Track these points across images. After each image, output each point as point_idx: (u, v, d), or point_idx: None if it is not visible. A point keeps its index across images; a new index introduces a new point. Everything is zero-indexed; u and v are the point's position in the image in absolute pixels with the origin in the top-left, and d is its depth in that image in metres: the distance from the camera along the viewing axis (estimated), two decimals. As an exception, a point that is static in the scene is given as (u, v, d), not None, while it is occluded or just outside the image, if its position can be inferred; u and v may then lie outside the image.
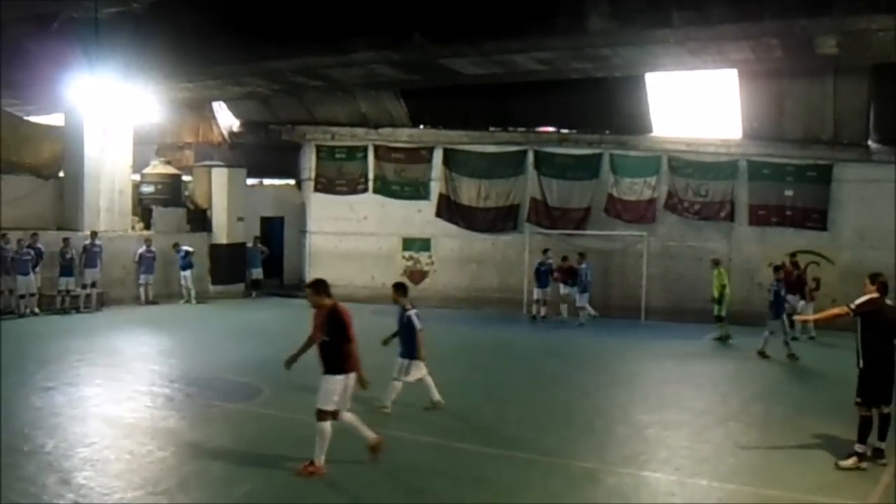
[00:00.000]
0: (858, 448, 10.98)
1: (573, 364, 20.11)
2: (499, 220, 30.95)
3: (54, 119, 31.23)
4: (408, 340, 13.82)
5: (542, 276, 26.89)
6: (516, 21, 21.15)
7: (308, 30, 23.17)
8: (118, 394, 14.93)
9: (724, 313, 23.63)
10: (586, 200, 29.78)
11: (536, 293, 27.16)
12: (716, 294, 23.68)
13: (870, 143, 26.86)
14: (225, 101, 33.15)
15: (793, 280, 23.57)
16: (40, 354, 18.58)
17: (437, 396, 14.03)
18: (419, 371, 13.89)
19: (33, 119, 31.57)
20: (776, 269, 21.69)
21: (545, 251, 27.26)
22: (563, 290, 27.19)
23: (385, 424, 12.99)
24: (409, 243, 31.92)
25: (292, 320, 25.65)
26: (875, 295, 11.24)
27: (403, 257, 32.07)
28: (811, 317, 11.67)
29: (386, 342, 14.17)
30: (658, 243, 28.83)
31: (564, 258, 27.19)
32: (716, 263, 24.35)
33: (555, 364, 19.96)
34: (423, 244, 31.70)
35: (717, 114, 28.52)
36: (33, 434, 11.87)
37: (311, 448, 10.49)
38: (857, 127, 26.82)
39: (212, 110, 33.77)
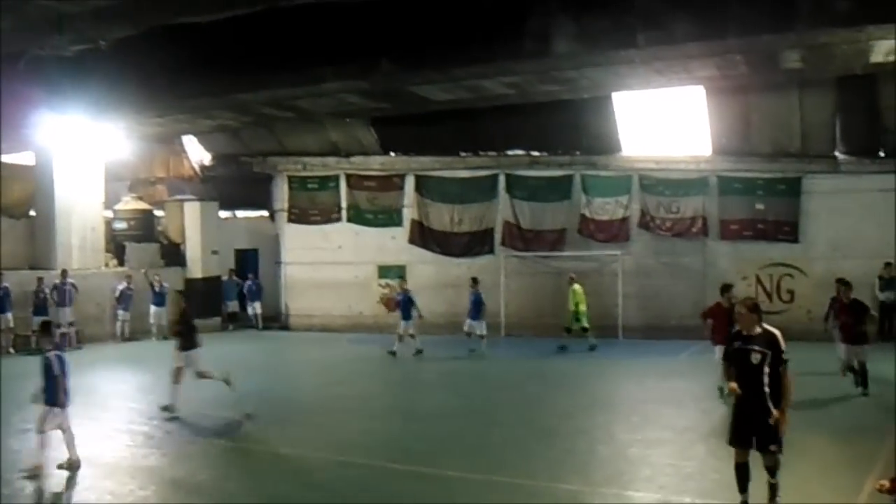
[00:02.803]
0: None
1: (553, 386, 20.12)
2: (473, 244, 30.95)
3: (24, 158, 31.10)
4: (48, 386, 12.34)
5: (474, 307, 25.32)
6: (483, 46, 21.25)
7: (276, 62, 23.18)
8: (97, 433, 14.79)
9: (586, 325, 25.71)
10: (559, 222, 29.82)
11: (468, 325, 25.36)
12: (571, 308, 25.76)
13: (837, 154, 27.10)
14: (195, 134, 33.08)
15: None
16: (16, 395, 18.36)
17: (76, 455, 12.20)
18: (62, 419, 12.23)
19: (2, 159, 31.39)
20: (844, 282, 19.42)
21: (474, 280, 26.18)
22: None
23: (365, 454, 12.98)
24: (384, 271, 31.82)
25: (270, 353, 25.70)
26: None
27: (379, 285, 31.98)
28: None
29: (34, 399, 12.64)
30: (632, 262, 28.90)
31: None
32: (571, 281, 26.17)
33: (535, 386, 19.97)
34: (399, 271, 31.63)
35: (686, 131, 28.65)
36: (11, 478, 11.73)
37: (292, 480, 10.43)
38: (824, 139, 27.07)
39: (182, 144, 33.72)
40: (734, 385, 9.51)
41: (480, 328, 25.05)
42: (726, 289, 17.69)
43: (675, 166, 28.83)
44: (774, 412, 9.35)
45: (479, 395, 19.10)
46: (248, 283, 33.19)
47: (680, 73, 22.66)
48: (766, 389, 9.39)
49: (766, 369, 9.39)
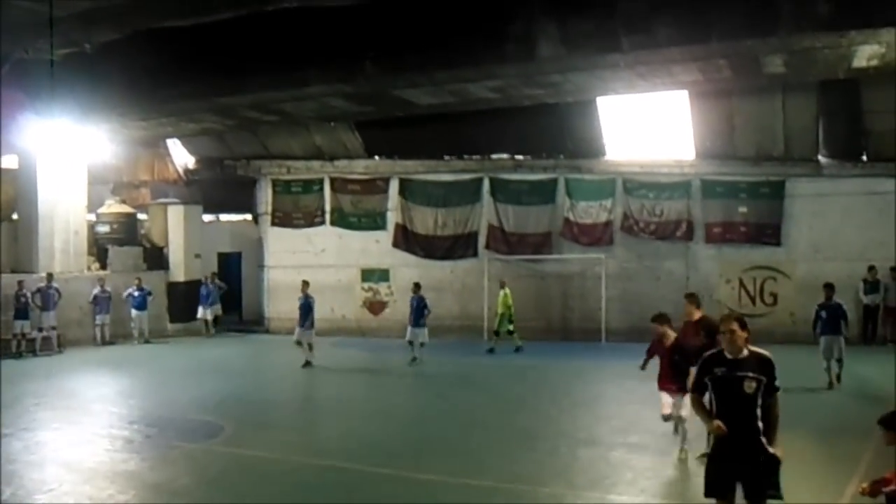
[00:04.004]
0: None
1: (536, 388, 20.13)
2: (457, 247, 30.93)
3: (7, 161, 30.95)
4: None
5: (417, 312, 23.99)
6: (467, 50, 21.26)
7: (260, 65, 23.15)
8: (77, 437, 14.73)
9: (504, 329, 26.32)
10: (543, 225, 29.83)
11: (410, 333, 23.95)
12: (499, 311, 26.38)
13: (820, 157, 27.22)
14: (179, 137, 32.98)
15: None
16: (-4, 400, 18.33)
17: None
18: None
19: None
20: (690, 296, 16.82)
21: (416, 285, 24.67)
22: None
23: (345, 457, 12.95)
24: (367, 274, 31.79)
25: (251, 356, 25.62)
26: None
27: (363, 288, 31.93)
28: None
29: None
30: (616, 265, 28.95)
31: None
32: (501, 285, 26.65)
33: (517, 389, 20.00)
34: (382, 274, 31.61)
35: (670, 134, 28.71)
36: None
37: (272, 484, 10.40)
38: (807, 142, 27.18)
39: (167, 147, 33.60)
40: (719, 423, 7.87)
41: (423, 336, 23.76)
42: (662, 318, 13.47)
43: (658, 170, 28.87)
44: (775, 450, 7.93)
45: (460, 398, 19.09)
46: (202, 286, 31.88)
47: (664, 77, 22.69)
48: (760, 424, 7.89)
49: (760, 400, 7.88)
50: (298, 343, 23.46)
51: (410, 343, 23.73)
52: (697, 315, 13.70)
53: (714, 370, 8.03)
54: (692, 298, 14.27)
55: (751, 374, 7.86)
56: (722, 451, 8.03)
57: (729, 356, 7.99)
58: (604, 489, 11.28)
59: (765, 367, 7.94)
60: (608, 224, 29.24)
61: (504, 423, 15.79)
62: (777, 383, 7.97)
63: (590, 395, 19.73)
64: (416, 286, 24.53)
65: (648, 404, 17.42)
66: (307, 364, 23.04)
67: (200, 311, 31.61)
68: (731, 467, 7.94)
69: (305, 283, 24.65)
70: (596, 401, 18.99)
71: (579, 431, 15.16)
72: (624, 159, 29.32)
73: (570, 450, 13.54)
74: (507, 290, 26.42)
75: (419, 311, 23.85)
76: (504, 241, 30.31)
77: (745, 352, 7.98)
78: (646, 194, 28.89)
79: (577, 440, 14.30)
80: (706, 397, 8.24)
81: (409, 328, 23.92)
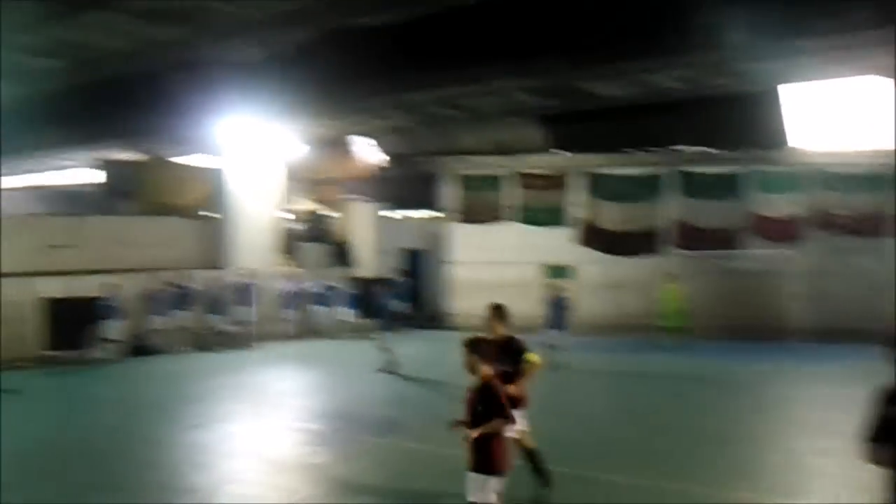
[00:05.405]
0: None
1: (720, 390, 19.61)
2: (641, 243, 30.48)
3: (200, 160, 32.19)
4: None
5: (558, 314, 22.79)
6: (653, 39, 20.83)
7: (445, 60, 23.27)
8: (266, 430, 15.16)
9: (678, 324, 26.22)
10: (730, 220, 29.08)
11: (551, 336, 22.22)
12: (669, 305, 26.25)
13: None
14: (367, 135, 33.60)
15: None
16: (189, 392, 19.07)
17: None
18: None
19: (180, 161, 32.55)
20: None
21: (556, 286, 24.14)
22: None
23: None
24: (550, 271, 31.66)
25: (433, 353, 25.74)
26: None
27: (545, 285, 31.79)
28: None
29: None
30: (806, 261, 27.94)
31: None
32: (671, 279, 26.75)
33: (702, 390, 19.54)
34: (565, 271, 31.37)
35: (867, 123, 27.50)
36: (185, 470, 12.11)
37: (459, 482, 10.40)
38: None
39: (354, 145, 34.29)
40: None
41: (563, 338, 22.23)
42: (475, 345, 9.08)
43: (853, 161, 27.69)
44: None
45: (641, 398, 18.75)
46: (322, 289, 30.77)
47: (860, 61, 21.70)
48: None
49: None
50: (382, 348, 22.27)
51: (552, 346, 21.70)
52: (501, 330, 10.69)
53: (891, 409, 5.97)
54: (497, 312, 10.93)
55: None
56: None
57: None
58: (793, 495, 10.98)
59: None
60: (799, 218, 28.25)
61: (690, 426, 15.45)
62: None
63: (776, 397, 19.05)
64: (556, 287, 23.86)
65: (837, 408, 16.80)
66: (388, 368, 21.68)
67: (323, 313, 30.30)
68: None
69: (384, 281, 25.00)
70: (783, 403, 18.34)
71: (765, 435, 14.70)
72: (816, 150, 28.27)
73: (758, 453, 13.13)
74: (672, 286, 26.06)
75: (560, 312, 22.70)
76: (689, 237, 29.69)
77: None
78: (839, 187, 27.77)
79: (763, 444, 13.86)
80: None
81: (549, 331, 22.19)
